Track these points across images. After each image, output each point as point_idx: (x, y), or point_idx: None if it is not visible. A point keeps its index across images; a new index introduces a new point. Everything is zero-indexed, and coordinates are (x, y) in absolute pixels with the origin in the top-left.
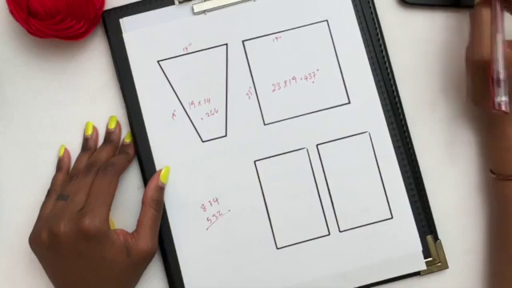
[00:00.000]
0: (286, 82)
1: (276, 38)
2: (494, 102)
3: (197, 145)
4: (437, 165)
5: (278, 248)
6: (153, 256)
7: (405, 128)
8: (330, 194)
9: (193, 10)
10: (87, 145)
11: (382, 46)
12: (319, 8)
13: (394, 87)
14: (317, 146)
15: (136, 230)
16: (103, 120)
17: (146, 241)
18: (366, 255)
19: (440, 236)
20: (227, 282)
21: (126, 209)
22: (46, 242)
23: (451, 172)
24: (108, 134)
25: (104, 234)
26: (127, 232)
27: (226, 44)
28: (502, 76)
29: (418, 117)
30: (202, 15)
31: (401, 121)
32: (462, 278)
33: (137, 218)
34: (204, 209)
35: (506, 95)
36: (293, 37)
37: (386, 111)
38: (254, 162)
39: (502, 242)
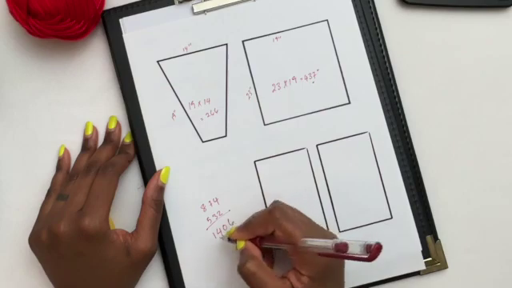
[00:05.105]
0: (285, 82)
1: (276, 38)
2: None
3: (197, 145)
4: (437, 165)
5: None
6: (152, 256)
7: (405, 128)
8: (330, 194)
9: (193, 10)
10: (87, 145)
11: (382, 46)
12: (319, 8)
13: (394, 87)
14: (317, 146)
15: (136, 230)
16: (103, 120)
17: (146, 241)
18: None
19: (440, 236)
20: (227, 282)
21: (125, 209)
22: (46, 241)
23: (451, 172)
24: (108, 134)
25: (104, 234)
26: (127, 232)
27: (226, 44)
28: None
29: (418, 117)
30: (202, 15)
31: (401, 121)
32: (462, 278)
33: (137, 217)
34: (204, 209)
35: None
36: (293, 37)
37: (386, 111)
38: (254, 162)
39: None
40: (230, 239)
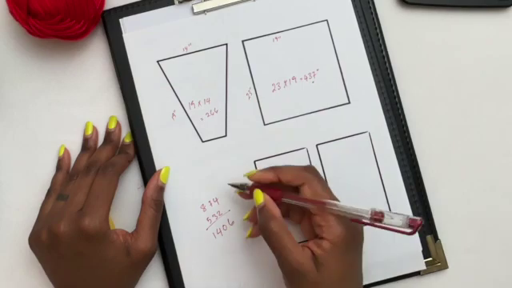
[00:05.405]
0: (285, 82)
1: (276, 37)
2: None
3: (197, 145)
4: (437, 165)
5: None
6: (152, 256)
7: (405, 128)
8: None
9: (193, 10)
10: (87, 145)
11: (382, 46)
12: (319, 8)
13: (394, 87)
14: (317, 146)
15: (135, 230)
16: (103, 120)
17: (146, 241)
18: (365, 255)
19: (440, 236)
20: (227, 282)
21: (125, 209)
22: (46, 241)
23: (451, 172)
24: (108, 134)
25: (104, 234)
26: (127, 232)
27: (226, 44)
28: None
29: (418, 117)
30: (202, 15)
31: (401, 121)
32: (462, 277)
33: (137, 217)
34: (204, 209)
35: None
36: (293, 37)
37: (385, 111)
38: (254, 162)
39: None
40: (240, 186)
